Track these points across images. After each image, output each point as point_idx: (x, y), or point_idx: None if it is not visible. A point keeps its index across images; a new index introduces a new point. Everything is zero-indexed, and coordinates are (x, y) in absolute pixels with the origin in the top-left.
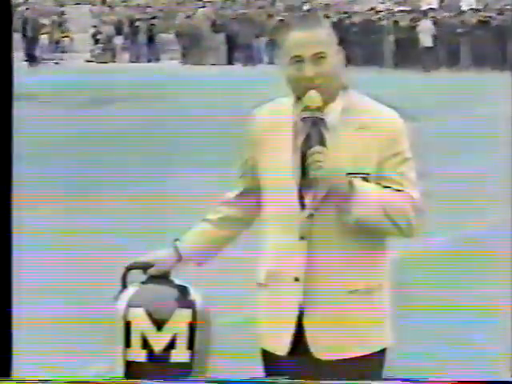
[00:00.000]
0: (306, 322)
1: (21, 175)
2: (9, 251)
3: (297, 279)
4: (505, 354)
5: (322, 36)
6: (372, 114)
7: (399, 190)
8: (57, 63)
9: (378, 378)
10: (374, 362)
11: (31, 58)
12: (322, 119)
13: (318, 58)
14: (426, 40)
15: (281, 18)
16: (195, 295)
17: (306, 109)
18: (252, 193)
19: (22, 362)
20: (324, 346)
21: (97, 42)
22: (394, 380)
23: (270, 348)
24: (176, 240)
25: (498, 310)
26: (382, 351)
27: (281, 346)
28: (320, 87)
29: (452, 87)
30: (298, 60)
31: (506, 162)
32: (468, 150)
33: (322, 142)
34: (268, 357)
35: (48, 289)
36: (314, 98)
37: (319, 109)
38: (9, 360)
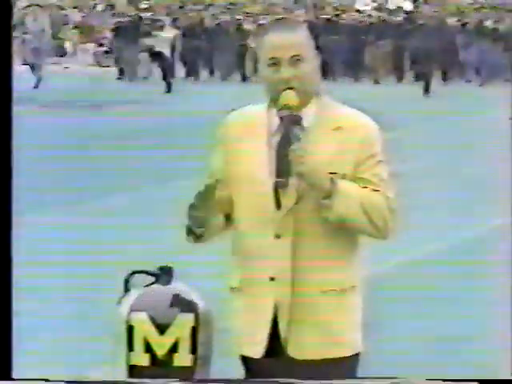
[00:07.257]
0: (281, 322)
1: (20, 180)
2: (8, 252)
3: (272, 279)
4: (505, 354)
5: (300, 39)
6: (346, 117)
7: (376, 190)
8: (67, 67)
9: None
10: (349, 364)
11: (32, 63)
12: (300, 117)
13: (295, 60)
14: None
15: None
16: (198, 299)
17: (284, 107)
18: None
19: (23, 363)
20: (298, 345)
21: (100, 46)
22: (393, 379)
23: (246, 352)
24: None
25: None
26: (356, 354)
27: (256, 348)
28: (296, 89)
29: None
30: (275, 62)
31: (506, 164)
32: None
33: (301, 140)
34: (246, 361)
35: (50, 292)
36: (290, 96)
37: (296, 107)
38: (9, 361)
